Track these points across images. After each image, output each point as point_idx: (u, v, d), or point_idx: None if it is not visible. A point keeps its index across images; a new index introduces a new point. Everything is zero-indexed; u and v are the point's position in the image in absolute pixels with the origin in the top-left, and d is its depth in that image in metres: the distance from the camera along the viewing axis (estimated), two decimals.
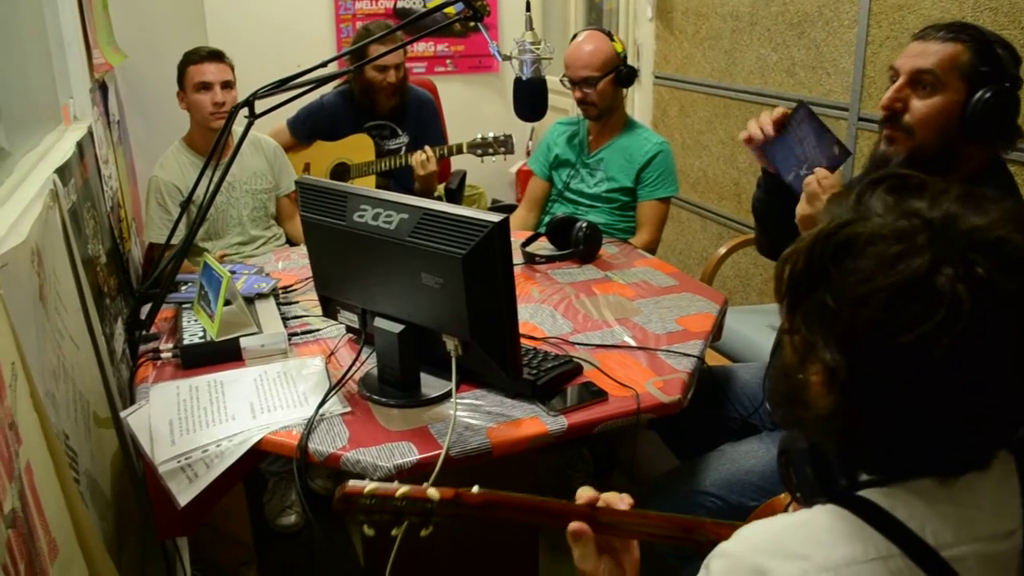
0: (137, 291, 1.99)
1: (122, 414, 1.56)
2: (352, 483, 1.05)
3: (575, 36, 2.62)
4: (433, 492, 1.04)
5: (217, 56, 2.64)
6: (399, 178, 3.24)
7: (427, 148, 2.95)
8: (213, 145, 1.86)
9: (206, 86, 2.61)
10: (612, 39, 2.55)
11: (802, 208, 1.62)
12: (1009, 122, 1.52)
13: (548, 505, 1.08)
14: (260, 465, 2.35)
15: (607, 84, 2.53)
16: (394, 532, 1.06)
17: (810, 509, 0.84)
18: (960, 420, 0.77)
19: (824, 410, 0.80)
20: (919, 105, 1.54)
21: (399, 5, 4.66)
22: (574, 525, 1.03)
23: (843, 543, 0.78)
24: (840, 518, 0.80)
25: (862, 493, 0.81)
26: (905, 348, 0.73)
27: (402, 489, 1.03)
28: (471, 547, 1.69)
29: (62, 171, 1.73)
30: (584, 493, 1.10)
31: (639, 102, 3.91)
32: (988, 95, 1.47)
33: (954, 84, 1.51)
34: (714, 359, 2.52)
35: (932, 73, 1.52)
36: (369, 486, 1.03)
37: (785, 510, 1.06)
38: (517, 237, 2.44)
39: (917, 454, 0.80)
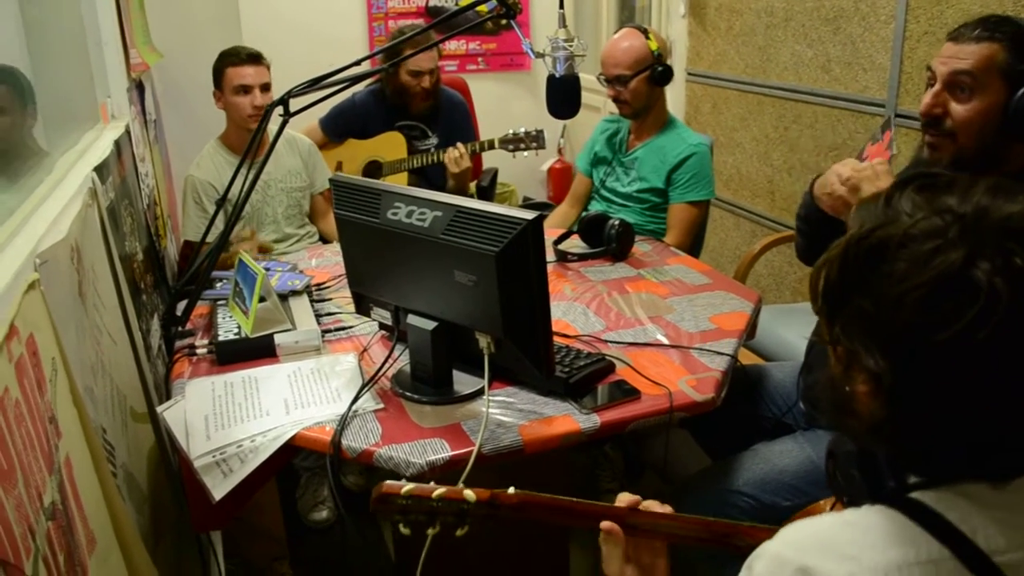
0: (173, 287, 2.01)
1: (158, 409, 1.58)
2: (389, 483, 1.05)
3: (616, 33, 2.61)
4: (469, 493, 1.04)
5: (256, 59, 2.65)
6: (431, 175, 3.25)
7: (460, 145, 2.95)
8: (248, 144, 1.88)
9: (246, 89, 2.63)
10: (648, 36, 2.52)
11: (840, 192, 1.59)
12: None
13: (583, 507, 1.07)
14: (293, 461, 2.37)
15: (639, 83, 2.51)
16: (429, 531, 1.07)
17: (858, 509, 0.82)
18: (1008, 420, 0.75)
19: (874, 419, 0.79)
20: (959, 109, 1.51)
21: (431, 3, 4.67)
22: (605, 524, 1.03)
23: (894, 545, 0.76)
24: (890, 519, 0.78)
25: (913, 495, 0.80)
26: (944, 346, 0.72)
27: (439, 490, 1.04)
28: (502, 545, 1.69)
29: (100, 169, 1.76)
30: (625, 497, 1.10)
31: (671, 99, 3.85)
32: None
33: (993, 85, 1.48)
34: (748, 358, 2.49)
35: (970, 75, 1.49)
36: (406, 487, 1.04)
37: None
38: (550, 235, 2.44)
39: (966, 457, 0.78)
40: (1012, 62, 1.45)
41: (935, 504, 0.78)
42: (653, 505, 1.08)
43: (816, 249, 1.80)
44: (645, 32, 2.53)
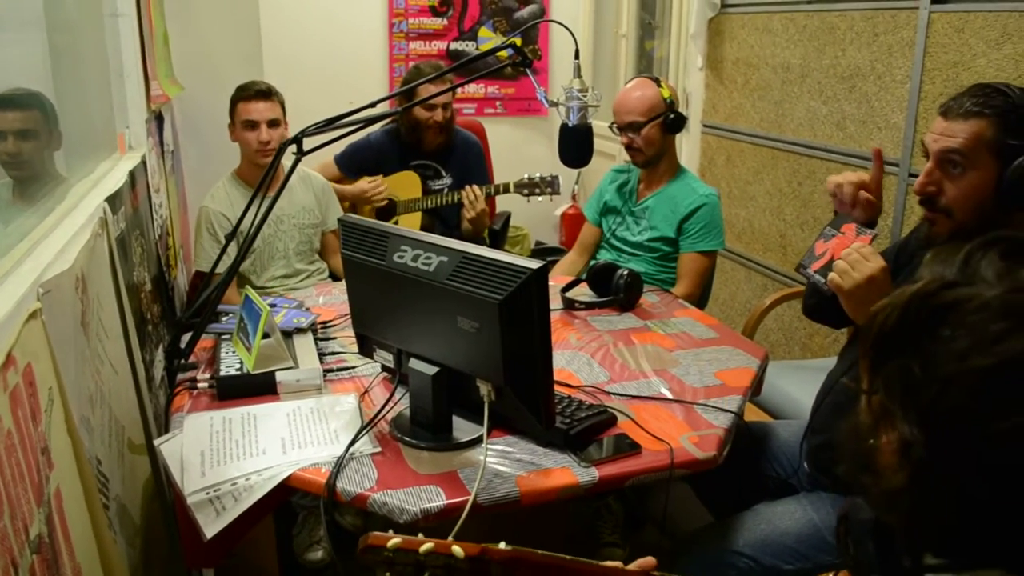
0: (178, 319, 2.01)
1: (155, 442, 1.57)
2: (376, 534, 1.03)
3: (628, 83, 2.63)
4: (458, 548, 1.02)
5: (266, 94, 2.68)
6: (445, 217, 3.26)
7: (475, 187, 2.96)
8: (261, 179, 1.89)
9: (253, 124, 2.66)
10: (660, 85, 2.55)
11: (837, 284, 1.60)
12: None
13: (578, 566, 1.05)
14: (291, 499, 2.35)
15: (652, 130, 2.53)
16: None
17: None
18: None
19: (894, 484, 0.75)
20: (951, 187, 1.52)
21: (452, 47, 4.73)
22: None
23: None
24: None
25: None
26: (994, 437, 0.68)
27: (426, 544, 1.02)
28: None
29: (113, 199, 1.77)
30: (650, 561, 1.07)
31: (687, 150, 3.90)
32: (1020, 168, 1.44)
33: (983, 161, 1.48)
34: (753, 414, 2.47)
35: (959, 153, 1.49)
36: (393, 539, 1.02)
37: None
38: (558, 282, 2.44)
39: (990, 544, 0.74)
40: (1000, 137, 1.46)
41: None
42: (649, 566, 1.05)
43: (825, 310, 1.79)
44: (657, 81, 2.56)
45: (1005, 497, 0.71)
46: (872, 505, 0.84)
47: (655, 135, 2.54)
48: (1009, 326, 0.69)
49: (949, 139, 1.50)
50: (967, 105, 1.49)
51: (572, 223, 4.98)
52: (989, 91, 1.49)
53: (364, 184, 3.19)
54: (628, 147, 2.58)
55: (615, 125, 2.59)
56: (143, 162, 2.28)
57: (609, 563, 1.05)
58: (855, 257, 1.57)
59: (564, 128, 2.09)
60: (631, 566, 1.06)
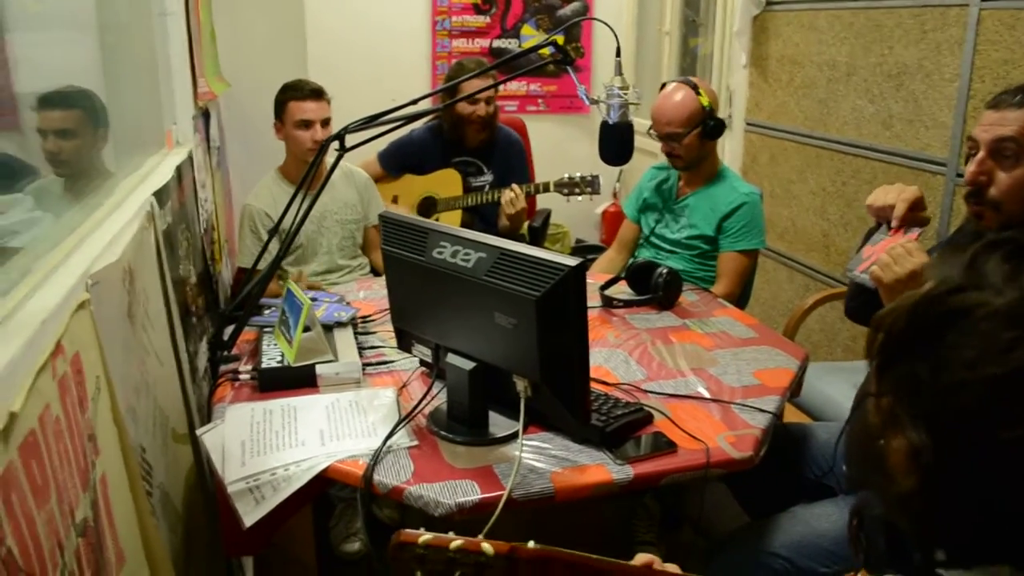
0: (222, 312, 2.05)
1: (198, 432, 1.60)
2: (407, 532, 1.05)
3: (663, 86, 2.61)
4: (487, 546, 1.03)
5: (319, 94, 2.72)
6: (484, 214, 3.28)
7: (515, 186, 2.97)
8: (303, 176, 1.92)
9: (307, 124, 2.69)
10: (698, 92, 2.52)
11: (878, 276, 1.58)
12: None
13: (607, 566, 1.06)
14: (329, 490, 2.38)
15: (693, 138, 2.50)
16: None
17: None
18: None
19: (904, 488, 0.76)
20: (1004, 177, 1.49)
21: (495, 45, 4.74)
22: None
23: None
24: None
25: (939, 572, 0.77)
26: (1003, 444, 0.68)
27: (456, 541, 1.03)
28: None
29: (160, 194, 1.81)
30: (642, 557, 1.08)
31: (730, 149, 3.87)
32: None
33: None
34: (793, 415, 2.45)
35: (1014, 141, 1.46)
36: (424, 536, 1.03)
37: None
38: (597, 279, 2.43)
39: (1000, 542, 0.74)
40: None
41: None
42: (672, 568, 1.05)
43: (869, 310, 1.78)
44: (696, 88, 2.52)
45: (1011, 501, 0.71)
46: (883, 506, 0.84)
47: (695, 143, 2.52)
48: (1017, 336, 0.69)
49: (1003, 128, 1.48)
50: (1019, 97, 1.47)
51: (613, 221, 4.96)
52: None
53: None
54: (669, 154, 2.57)
55: (654, 132, 2.57)
56: (190, 158, 2.33)
57: (638, 560, 1.05)
58: (899, 251, 1.55)
59: (604, 125, 2.09)
60: (635, 560, 1.06)
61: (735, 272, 2.54)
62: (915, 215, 1.71)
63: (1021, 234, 0.79)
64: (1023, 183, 1.48)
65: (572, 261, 1.32)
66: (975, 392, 0.69)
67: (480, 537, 1.05)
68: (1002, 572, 0.74)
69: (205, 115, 2.82)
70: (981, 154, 1.52)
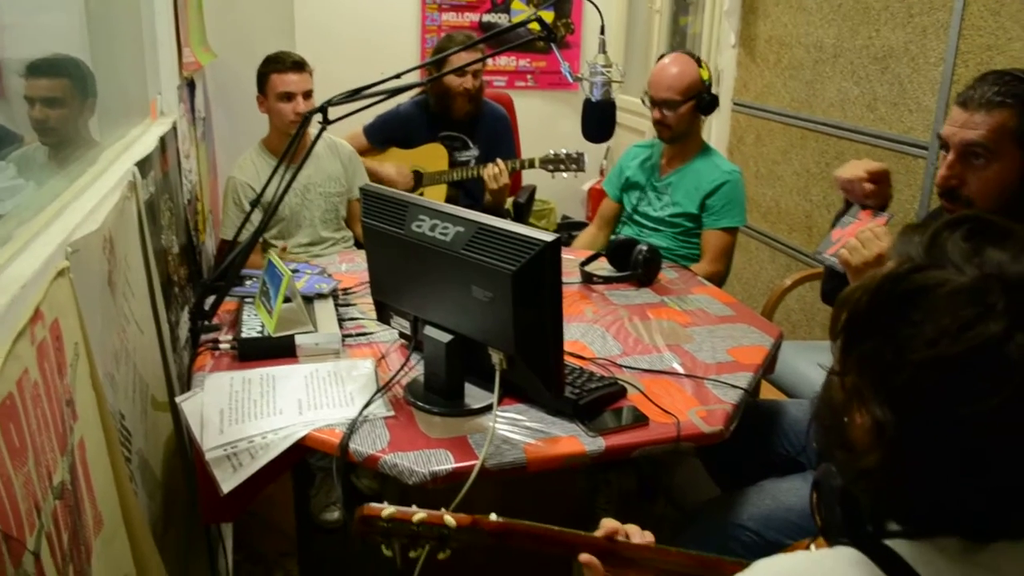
0: (203, 282, 2.06)
1: (177, 399, 1.62)
2: (371, 505, 1.07)
3: (661, 56, 2.63)
4: (450, 519, 1.06)
5: (300, 66, 2.71)
6: (470, 189, 3.29)
7: (499, 161, 2.98)
8: (285, 148, 1.92)
9: (289, 96, 2.69)
10: (700, 65, 2.55)
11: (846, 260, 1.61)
12: None
13: (565, 536, 1.08)
14: (309, 460, 2.40)
15: (687, 110, 2.53)
16: (412, 554, 1.08)
17: (833, 550, 0.82)
18: (1004, 488, 0.74)
19: (867, 463, 0.78)
20: (974, 180, 1.51)
21: (484, 19, 4.72)
22: (584, 556, 1.04)
23: None
24: (862, 564, 0.78)
25: (888, 542, 0.80)
26: (965, 419, 0.71)
27: (419, 514, 1.05)
28: (504, 557, 1.70)
29: (143, 164, 1.81)
30: (607, 523, 1.10)
31: (716, 128, 3.88)
32: None
33: (1007, 151, 1.47)
34: (769, 392, 2.49)
35: (982, 146, 1.48)
36: (387, 510, 1.05)
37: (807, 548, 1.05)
38: (578, 256, 2.46)
39: (953, 516, 0.77)
40: None
41: (908, 554, 0.78)
42: (634, 532, 1.08)
43: (839, 279, 1.80)
44: (698, 61, 2.56)
45: (970, 475, 0.73)
46: (845, 479, 0.86)
47: (688, 114, 2.55)
48: (977, 313, 0.70)
49: (971, 131, 1.49)
50: (988, 95, 1.47)
51: (599, 198, 4.95)
52: (1008, 79, 1.48)
53: (392, 169, 3.22)
54: (658, 122, 2.58)
55: (649, 97, 2.59)
56: (174, 128, 2.32)
57: (603, 527, 1.08)
58: (867, 235, 1.57)
59: (587, 103, 2.10)
60: (598, 532, 1.09)
61: (719, 250, 2.57)
62: (880, 188, 1.73)
63: (983, 214, 0.81)
64: (994, 184, 1.49)
65: (548, 236, 1.34)
66: (936, 369, 0.71)
67: (443, 510, 1.08)
68: (949, 544, 0.77)
69: (190, 85, 2.82)
70: (951, 157, 1.53)
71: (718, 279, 2.58)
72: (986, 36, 2.42)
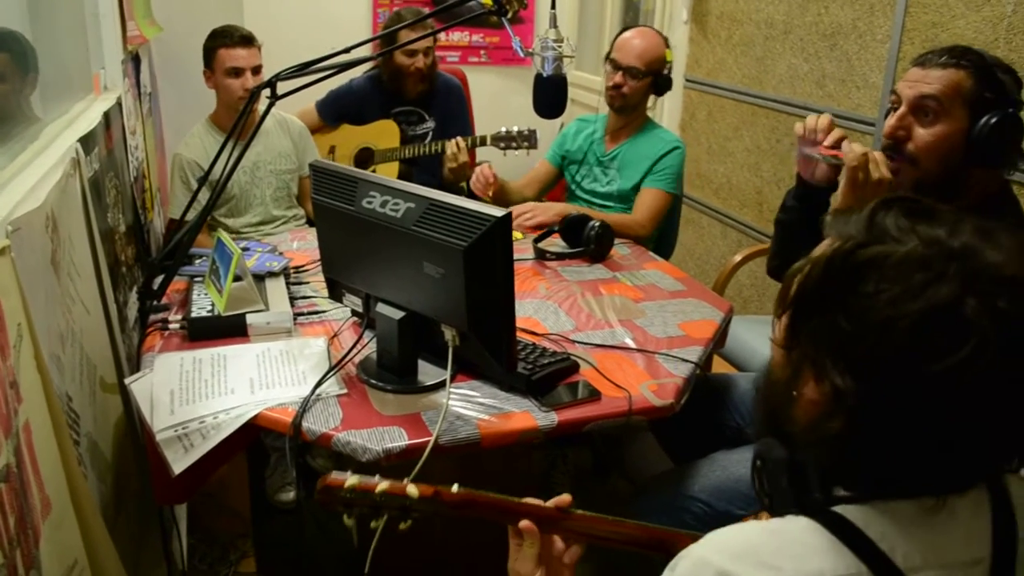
0: (151, 261, 2.03)
1: (126, 381, 1.60)
2: (334, 475, 1.07)
3: (627, 28, 2.66)
4: (412, 489, 1.06)
5: (248, 40, 2.66)
6: (423, 166, 3.27)
7: (459, 139, 2.97)
8: (233, 125, 1.89)
9: (237, 71, 2.64)
10: (668, 46, 2.60)
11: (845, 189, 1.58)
12: (1013, 146, 1.51)
13: (525, 507, 1.10)
14: (264, 440, 2.39)
15: (645, 84, 2.58)
16: (373, 524, 1.09)
17: (783, 519, 0.84)
18: (960, 449, 0.77)
19: (829, 430, 0.80)
20: (922, 133, 1.53)
21: None
22: (524, 523, 1.06)
23: (815, 557, 0.78)
24: (814, 531, 0.80)
25: (837, 509, 0.82)
26: (929, 378, 0.73)
27: (382, 485, 1.06)
28: (462, 533, 1.71)
29: (86, 140, 1.77)
30: (564, 499, 1.12)
31: (668, 104, 3.90)
32: (993, 121, 1.47)
33: (957, 111, 1.50)
34: (721, 366, 2.52)
35: (935, 99, 1.51)
36: (350, 480, 1.06)
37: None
38: (528, 231, 2.46)
39: (903, 476, 0.80)
40: (977, 90, 1.48)
41: (858, 520, 0.80)
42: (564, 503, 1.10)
43: (788, 250, 1.82)
44: (666, 41, 2.61)
45: (927, 434, 0.76)
46: (793, 448, 0.88)
47: (643, 88, 2.59)
48: (931, 276, 0.74)
49: (926, 85, 1.52)
50: (946, 57, 1.51)
51: None
52: (963, 49, 1.52)
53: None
54: (616, 87, 2.59)
55: (611, 61, 2.60)
56: (119, 103, 2.27)
57: (553, 501, 1.10)
58: (873, 157, 1.55)
59: (538, 78, 2.10)
60: (550, 502, 1.10)
61: (648, 208, 2.60)
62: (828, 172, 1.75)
63: (910, 195, 0.85)
64: (940, 140, 1.52)
65: (499, 212, 1.34)
66: (899, 329, 0.73)
67: (405, 481, 1.08)
68: (901, 508, 0.80)
69: (135, 60, 2.75)
70: (903, 109, 1.56)
71: (644, 237, 2.58)
72: (931, 13, 2.46)
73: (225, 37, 2.64)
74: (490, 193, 2.63)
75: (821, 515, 0.82)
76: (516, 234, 2.47)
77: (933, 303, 0.73)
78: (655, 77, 2.57)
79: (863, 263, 0.77)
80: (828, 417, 0.79)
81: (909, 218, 0.79)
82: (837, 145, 1.63)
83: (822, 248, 0.82)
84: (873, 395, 0.76)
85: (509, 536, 1.10)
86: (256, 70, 2.66)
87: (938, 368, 0.72)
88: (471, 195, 3.25)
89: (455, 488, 1.08)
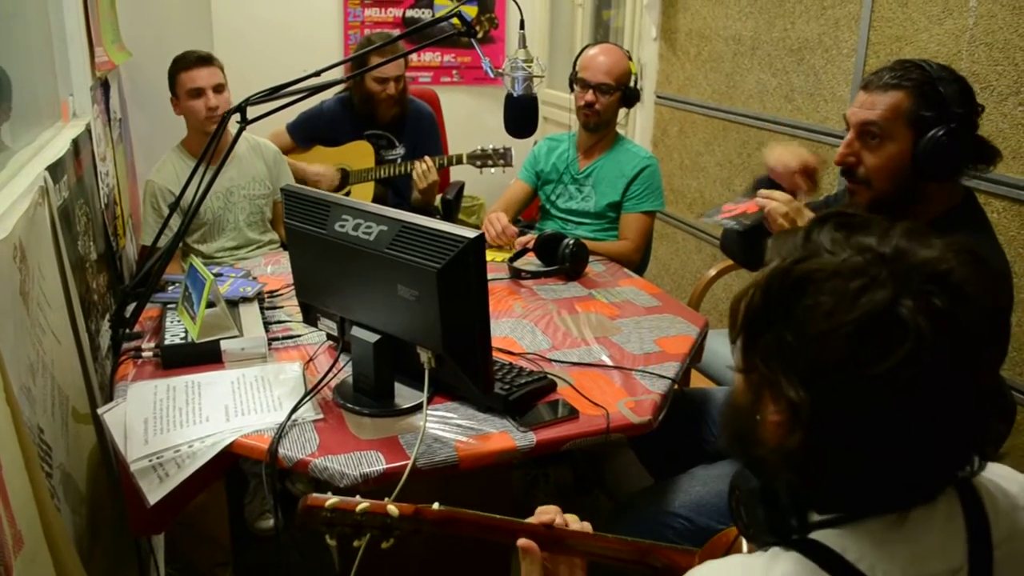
0: (123, 289, 2.01)
1: (99, 411, 1.58)
2: (314, 496, 1.07)
3: (588, 46, 2.69)
4: (392, 508, 1.06)
5: (206, 60, 2.65)
6: (397, 187, 3.27)
7: (427, 158, 2.98)
8: (203, 150, 1.88)
9: (199, 92, 2.63)
10: (630, 59, 2.64)
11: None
12: (962, 157, 1.55)
13: (506, 524, 1.10)
14: (243, 466, 2.36)
15: (615, 99, 2.61)
16: (356, 544, 1.08)
17: (766, 554, 0.84)
18: (916, 455, 0.78)
19: (790, 446, 0.80)
20: (869, 157, 1.59)
21: (408, 14, 4.69)
22: (523, 541, 1.05)
23: None
24: (793, 563, 0.81)
25: (814, 535, 0.82)
26: (872, 381, 0.74)
27: (362, 504, 1.06)
28: (443, 554, 1.70)
29: (54, 168, 1.75)
30: (545, 510, 1.12)
31: (640, 121, 3.93)
32: (935, 137, 1.50)
33: (900, 132, 1.55)
34: (699, 380, 2.53)
35: (877, 125, 1.56)
36: (330, 500, 1.06)
37: (733, 542, 1.07)
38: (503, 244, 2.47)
39: (872, 490, 0.80)
40: (916, 109, 1.53)
41: (835, 544, 0.80)
42: (572, 521, 1.10)
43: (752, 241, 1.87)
44: (628, 55, 2.64)
45: (884, 441, 0.77)
46: (764, 472, 0.89)
47: (614, 104, 2.62)
48: (864, 283, 0.76)
49: (868, 111, 1.57)
50: (886, 78, 1.55)
51: None
52: (908, 66, 1.55)
53: (319, 168, 3.18)
54: (588, 105, 2.61)
55: (580, 80, 2.62)
56: (88, 130, 2.25)
57: (538, 515, 1.10)
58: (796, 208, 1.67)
59: (509, 98, 2.11)
60: (531, 519, 1.10)
61: (639, 232, 2.64)
62: (805, 180, 1.79)
63: (845, 210, 0.89)
64: (887, 163, 1.57)
65: (471, 233, 1.35)
66: (838, 337, 0.75)
67: (386, 500, 1.08)
68: (872, 526, 0.80)
69: (104, 86, 2.73)
70: (850, 135, 1.62)
71: (638, 262, 2.63)
72: (895, 27, 2.50)
73: (182, 60, 2.64)
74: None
75: (799, 545, 0.82)
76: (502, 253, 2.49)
77: (869, 308, 0.74)
78: (624, 90, 2.60)
79: (800, 277, 0.79)
80: (788, 433, 0.80)
81: (842, 231, 0.81)
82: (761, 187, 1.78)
83: (764, 271, 0.84)
84: (825, 405, 0.77)
85: (520, 557, 1.10)
86: (217, 88, 2.64)
87: (880, 370, 0.73)
88: (445, 215, 3.26)
89: (436, 506, 1.08)
